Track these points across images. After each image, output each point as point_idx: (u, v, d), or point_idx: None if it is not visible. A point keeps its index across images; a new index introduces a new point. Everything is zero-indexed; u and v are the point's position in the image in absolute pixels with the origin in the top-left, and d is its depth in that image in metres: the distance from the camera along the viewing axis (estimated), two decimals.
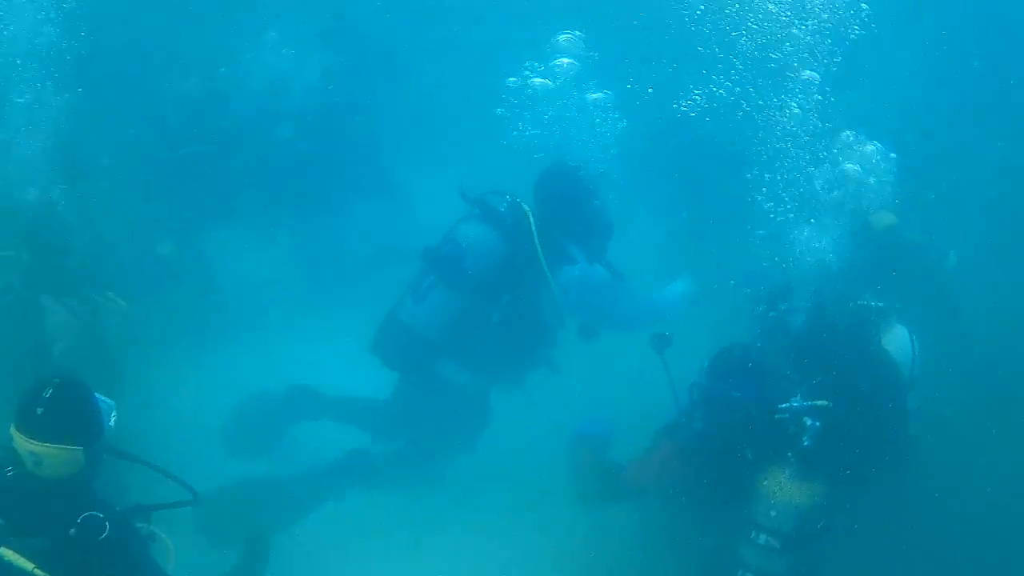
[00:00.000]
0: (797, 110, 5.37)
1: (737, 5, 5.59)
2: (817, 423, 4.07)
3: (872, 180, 5.61)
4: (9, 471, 3.20)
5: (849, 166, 5.48)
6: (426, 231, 7.22)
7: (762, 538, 4.09)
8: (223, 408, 6.15)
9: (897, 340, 4.72)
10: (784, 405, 4.09)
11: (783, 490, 4.08)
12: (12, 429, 3.21)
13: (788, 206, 5.21)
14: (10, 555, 2.98)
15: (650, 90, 6.09)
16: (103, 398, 3.48)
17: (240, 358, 6.79)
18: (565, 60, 5.93)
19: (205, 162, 7.05)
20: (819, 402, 4.15)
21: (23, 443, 3.16)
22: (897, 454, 4.40)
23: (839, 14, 5.64)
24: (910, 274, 5.34)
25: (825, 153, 5.39)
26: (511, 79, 5.84)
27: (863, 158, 5.56)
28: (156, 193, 7.07)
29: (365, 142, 7.71)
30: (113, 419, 3.48)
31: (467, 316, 5.06)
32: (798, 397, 4.13)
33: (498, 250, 5.01)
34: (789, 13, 5.54)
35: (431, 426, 5.36)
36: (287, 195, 7.36)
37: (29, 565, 2.96)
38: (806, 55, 5.51)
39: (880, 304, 4.78)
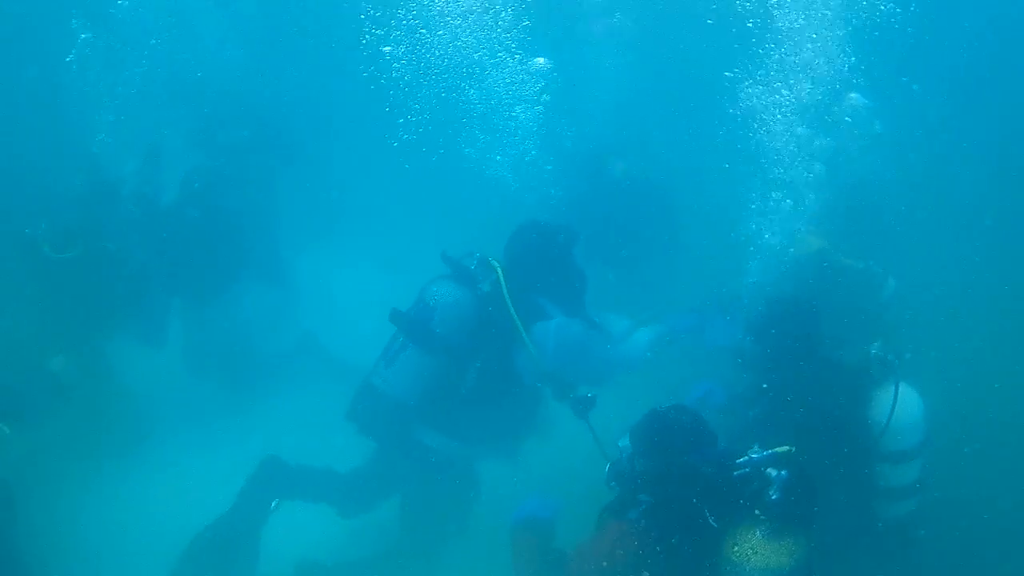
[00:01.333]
0: None
1: None
2: (783, 472, 3.57)
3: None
4: None
5: None
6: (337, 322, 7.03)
7: None
8: (137, 538, 5.57)
9: (881, 403, 4.31)
10: (742, 459, 3.59)
11: (758, 554, 3.55)
12: None
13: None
14: None
15: None
16: None
17: (151, 477, 6.19)
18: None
19: (96, 262, 6.40)
20: (781, 448, 3.65)
21: None
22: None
23: None
24: (844, 303, 4.90)
25: None
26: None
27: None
28: (43, 300, 6.41)
29: (260, 223, 7.23)
30: None
31: (440, 379, 4.85)
32: (756, 447, 3.63)
33: (469, 309, 4.84)
34: None
35: (417, 499, 5.18)
36: (181, 289, 6.76)
37: None
38: None
39: (884, 355, 4.37)
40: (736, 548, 3.55)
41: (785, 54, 5.73)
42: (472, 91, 6.41)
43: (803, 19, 5.69)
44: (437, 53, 6.34)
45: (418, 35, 6.29)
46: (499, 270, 4.82)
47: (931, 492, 4.47)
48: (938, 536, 4.55)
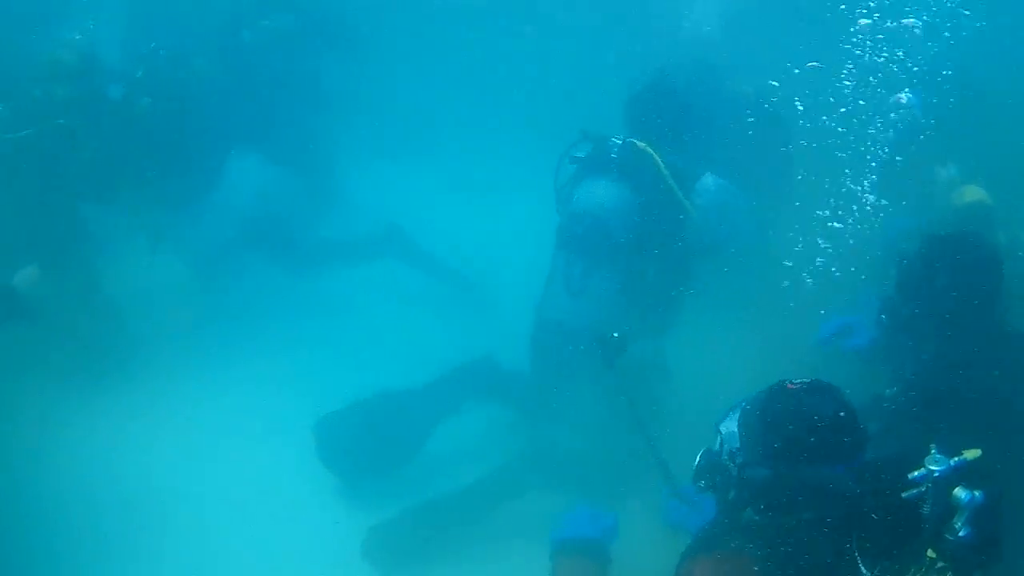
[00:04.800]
0: None
1: None
2: (978, 494, 2.30)
3: None
4: None
5: None
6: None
7: None
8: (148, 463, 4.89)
9: None
10: (917, 473, 2.32)
11: None
12: None
13: None
14: None
15: None
16: None
17: (139, 411, 5.30)
18: None
19: (61, 141, 5.27)
20: (969, 453, 2.38)
21: None
22: None
23: None
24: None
25: None
26: None
27: None
28: None
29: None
30: None
31: (629, 287, 4.54)
32: (934, 452, 2.36)
33: (632, 202, 4.49)
34: None
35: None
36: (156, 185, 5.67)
37: None
38: None
39: None
40: None
41: None
42: None
43: None
44: None
45: None
46: (652, 152, 4.40)
47: None
48: None
